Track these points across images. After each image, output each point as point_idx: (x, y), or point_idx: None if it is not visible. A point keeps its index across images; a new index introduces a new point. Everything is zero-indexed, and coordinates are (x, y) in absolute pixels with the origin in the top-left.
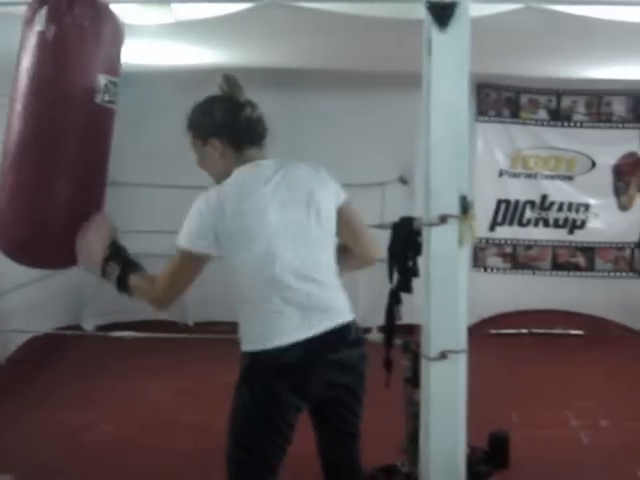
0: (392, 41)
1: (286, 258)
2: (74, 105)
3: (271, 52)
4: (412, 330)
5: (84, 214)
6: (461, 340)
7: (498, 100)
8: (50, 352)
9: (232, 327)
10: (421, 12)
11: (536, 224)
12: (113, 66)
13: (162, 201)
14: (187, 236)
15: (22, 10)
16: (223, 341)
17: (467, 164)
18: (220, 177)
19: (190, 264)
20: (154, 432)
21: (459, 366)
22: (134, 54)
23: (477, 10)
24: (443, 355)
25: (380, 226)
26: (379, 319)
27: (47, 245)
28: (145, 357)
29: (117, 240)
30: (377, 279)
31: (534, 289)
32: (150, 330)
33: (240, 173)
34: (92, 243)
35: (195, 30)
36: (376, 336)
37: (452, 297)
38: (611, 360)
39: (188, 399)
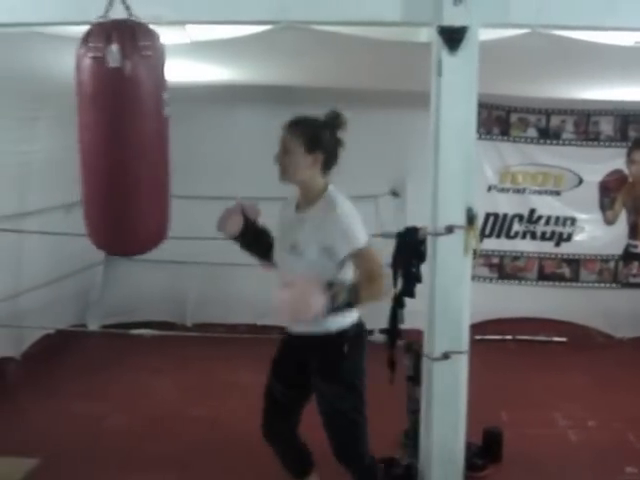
0: (389, 61)
1: None
2: (154, 125)
3: (276, 71)
4: (401, 333)
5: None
6: (463, 342)
7: (489, 118)
8: (60, 349)
9: (228, 328)
10: (424, 35)
11: (523, 236)
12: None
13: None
14: (364, 236)
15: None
16: (222, 341)
17: (474, 178)
18: (298, 182)
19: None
20: (163, 424)
21: (461, 366)
22: None
23: (481, 34)
24: (446, 356)
25: (383, 235)
26: (373, 322)
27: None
28: (149, 355)
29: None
30: None
31: (520, 298)
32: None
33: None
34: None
35: (209, 50)
36: (379, 337)
37: (456, 302)
38: (595, 366)
39: (193, 394)
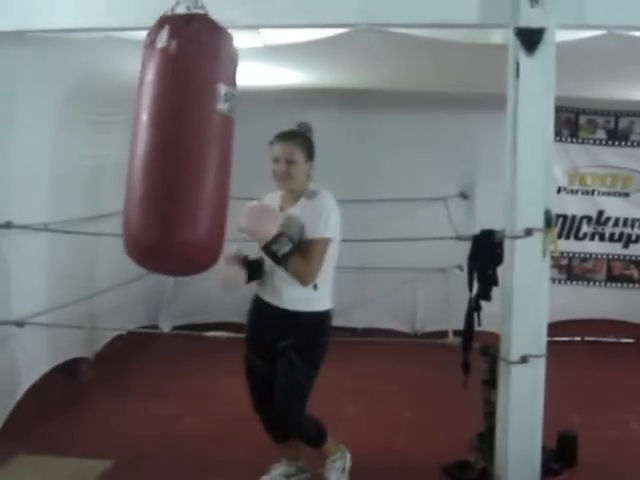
0: (458, 63)
1: None
2: (198, 112)
3: (348, 74)
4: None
5: (211, 220)
6: (541, 345)
7: (558, 120)
8: (133, 350)
9: None
10: (497, 37)
11: (592, 238)
12: (231, 79)
13: None
14: (332, 228)
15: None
16: None
17: (552, 180)
18: (298, 188)
19: (327, 251)
20: (238, 426)
21: (539, 370)
22: None
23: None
24: (524, 359)
25: (458, 238)
26: (434, 324)
27: (176, 252)
28: (222, 356)
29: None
30: (435, 289)
31: (588, 299)
32: (222, 331)
33: None
34: (270, 219)
35: (282, 53)
36: (454, 340)
37: (535, 305)
38: None
39: None
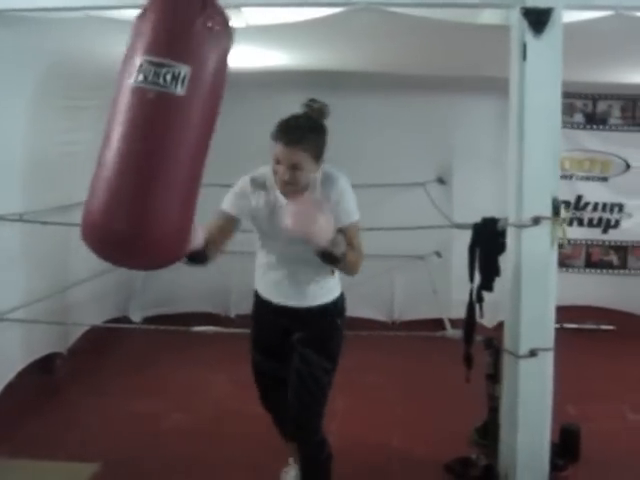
0: (443, 45)
1: None
2: (117, 88)
3: (332, 56)
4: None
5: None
6: (549, 338)
7: None
8: (107, 343)
9: None
10: (487, 17)
11: (570, 223)
12: (161, 49)
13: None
14: (358, 211)
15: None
16: None
17: (558, 167)
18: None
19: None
20: (225, 423)
21: (547, 363)
22: None
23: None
24: (532, 353)
25: (458, 226)
26: (413, 313)
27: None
28: (199, 349)
29: None
30: (413, 277)
31: (567, 286)
32: (194, 322)
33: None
34: (325, 219)
35: (264, 34)
36: (454, 333)
37: (543, 297)
38: None
39: (250, 391)
